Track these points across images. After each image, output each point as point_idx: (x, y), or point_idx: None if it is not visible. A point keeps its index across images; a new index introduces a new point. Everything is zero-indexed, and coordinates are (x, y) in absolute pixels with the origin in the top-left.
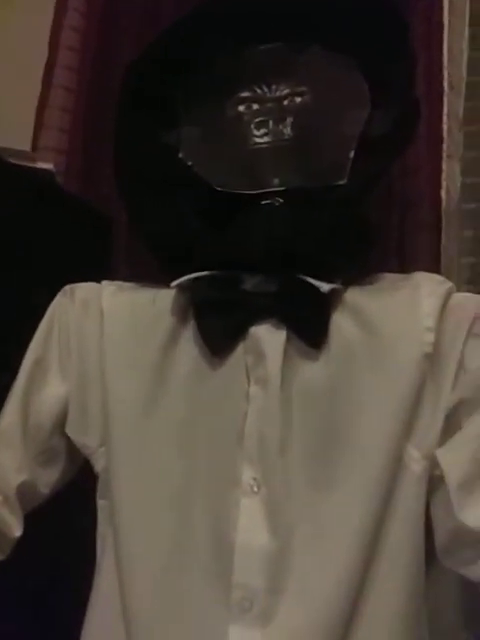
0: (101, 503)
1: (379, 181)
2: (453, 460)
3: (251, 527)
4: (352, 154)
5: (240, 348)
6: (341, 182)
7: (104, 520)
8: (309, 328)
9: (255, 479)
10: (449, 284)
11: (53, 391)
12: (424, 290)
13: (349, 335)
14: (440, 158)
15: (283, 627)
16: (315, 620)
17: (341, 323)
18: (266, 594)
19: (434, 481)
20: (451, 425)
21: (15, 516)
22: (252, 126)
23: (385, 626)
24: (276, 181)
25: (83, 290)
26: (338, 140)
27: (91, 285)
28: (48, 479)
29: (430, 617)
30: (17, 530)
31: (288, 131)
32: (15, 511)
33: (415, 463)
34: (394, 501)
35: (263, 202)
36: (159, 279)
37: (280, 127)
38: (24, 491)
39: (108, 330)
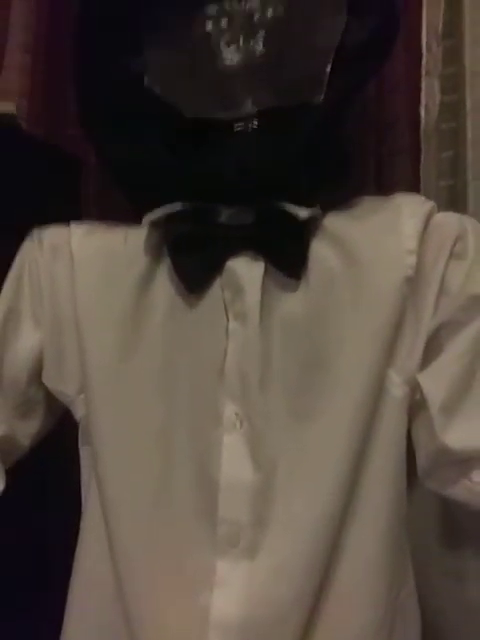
0: (83, 450)
1: (357, 96)
2: (434, 383)
3: (234, 463)
4: (329, 67)
5: (217, 283)
6: (317, 100)
7: (87, 466)
8: (287, 259)
9: (237, 414)
10: (431, 203)
11: (27, 341)
12: (405, 211)
13: (329, 263)
14: (419, 75)
15: (270, 559)
16: (301, 550)
17: (320, 251)
18: (252, 528)
19: (415, 405)
20: (432, 349)
21: None
22: (221, 44)
23: (369, 552)
24: (249, 103)
25: (51, 234)
26: (313, 53)
27: (59, 228)
28: (28, 430)
29: (412, 541)
30: (0, 484)
31: (260, 47)
32: None
33: (396, 388)
34: (376, 427)
35: (236, 126)
36: (131, 220)
37: (251, 43)
38: (4, 445)
39: (79, 275)
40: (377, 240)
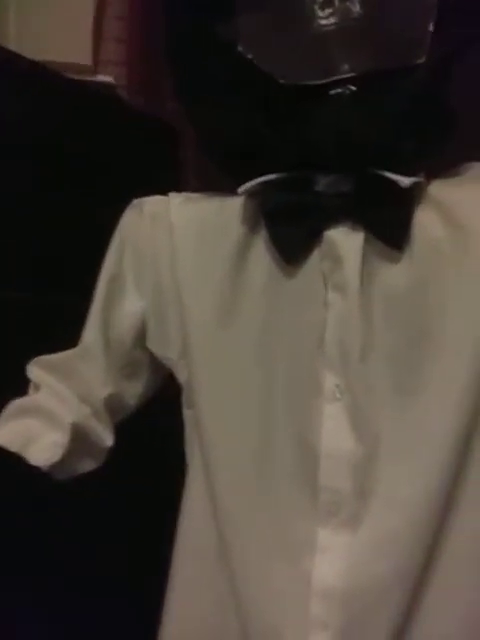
0: (187, 412)
1: (463, 57)
2: None
3: (336, 433)
4: (431, 27)
5: (316, 254)
6: (419, 61)
7: (191, 428)
8: (389, 228)
9: (337, 386)
10: None
11: (131, 306)
12: None
13: (434, 233)
14: None
15: (373, 531)
16: (402, 528)
17: (425, 220)
18: (354, 498)
19: None
20: None
21: (105, 427)
22: (316, 6)
23: (477, 532)
24: (346, 67)
25: (151, 203)
26: (414, 11)
27: (159, 198)
28: (134, 391)
29: None
30: (108, 440)
31: (356, 8)
32: (105, 422)
33: None
34: None
35: (332, 92)
36: (228, 189)
37: (347, 4)
38: (112, 403)
39: (178, 243)
40: None
